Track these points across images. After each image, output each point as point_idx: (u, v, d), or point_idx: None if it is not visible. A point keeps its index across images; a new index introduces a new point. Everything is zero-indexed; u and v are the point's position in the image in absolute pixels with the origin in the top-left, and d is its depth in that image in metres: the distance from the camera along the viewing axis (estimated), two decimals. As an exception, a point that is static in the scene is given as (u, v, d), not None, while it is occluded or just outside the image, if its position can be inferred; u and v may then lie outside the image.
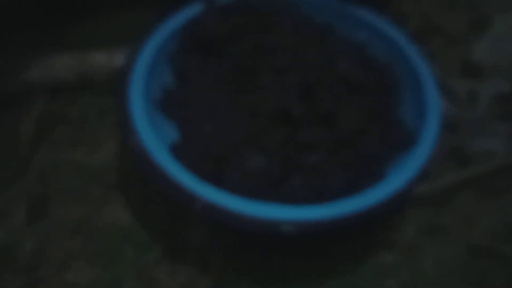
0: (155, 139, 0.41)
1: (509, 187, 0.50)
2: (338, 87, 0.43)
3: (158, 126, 0.43)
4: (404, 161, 0.41)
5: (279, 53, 0.45)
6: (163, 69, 0.47)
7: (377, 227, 0.45)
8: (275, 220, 0.37)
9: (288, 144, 0.41)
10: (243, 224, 0.37)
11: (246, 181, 0.40)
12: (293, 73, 0.43)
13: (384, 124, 0.43)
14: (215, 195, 0.37)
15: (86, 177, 0.48)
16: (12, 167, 0.48)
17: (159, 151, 0.40)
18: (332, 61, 0.45)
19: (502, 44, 0.63)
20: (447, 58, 0.60)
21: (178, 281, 0.42)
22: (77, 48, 0.53)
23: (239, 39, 0.46)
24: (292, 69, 0.44)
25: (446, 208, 0.48)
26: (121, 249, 0.44)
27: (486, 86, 0.58)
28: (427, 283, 0.44)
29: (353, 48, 0.47)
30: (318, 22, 0.49)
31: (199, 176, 0.39)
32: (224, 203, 0.37)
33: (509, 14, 0.68)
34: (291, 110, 0.42)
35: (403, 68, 0.47)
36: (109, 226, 0.45)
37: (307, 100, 0.42)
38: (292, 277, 0.43)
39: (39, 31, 0.53)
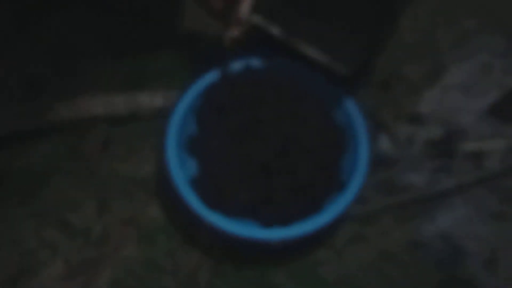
0: (179, 171, 0.64)
1: (418, 213, 0.73)
2: (304, 149, 0.65)
3: (184, 162, 0.67)
4: (338, 200, 0.64)
5: (266, 119, 0.66)
6: (190, 121, 0.69)
7: (323, 238, 0.70)
8: (257, 237, 0.61)
9: (266, 186, 0.65)
10: (232, 238, 0.62)
11: (237, 208, 0.64)
12: (274, 137, 0.65)
13: (329, 176, 0.66)
14: (215, 219, 0.62)
15: (134, 185, 0.72)
16: (83, 175, 0.72)
17: (181, 182, 0.63)
18: (303, 128, 0.66)
19: (447, 94, 0.83)
20: (402, 105, 0.80)
21: (193, 260, 0.68)
22: (127, 87, 0.75)
23: (242, 105, 0.67)
24: (275, 133, 0.66)
25: (370, 225, 0.72)
26: (157, 237, 0.69)
27: (423, 131, 0.79)
28: (348, 272, 0.69)
29: (322, 116, 0.68)
30: (297, 91, 0.69)
31: (207, 203, 0.63)
32: (221, 224, 0.62)
33: (463, 64, 0.86)
34: (270, 164, 0.64)
35: (350, 134, 0.68)
36: (150, 220, 0.70)
37: (281, 157, 0.65)
38: (263, 264, 0.68)
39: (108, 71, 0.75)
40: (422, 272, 0.69)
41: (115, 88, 0.76)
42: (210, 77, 0.69)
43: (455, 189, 0.74)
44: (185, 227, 0.69)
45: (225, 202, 0.64)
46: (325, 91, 0.70)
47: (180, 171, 0.64)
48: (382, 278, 0.68)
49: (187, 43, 0.79)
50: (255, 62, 0.70)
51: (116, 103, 0.72)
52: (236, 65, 0.69)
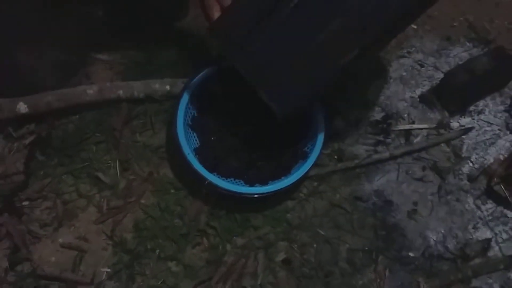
0: (185, 143, 0.87)
1: (361, 176, 0.98)
2: (277, 128, 0.89)
3: (188, 136, 0.89)
4: (302, 166, 0.89)
5: (249, 105, 0.89)
6: (192, 105, 0.91)
7: (290, 192, 0.94)
8: (242, 192, 0.85)
9: (249, 155, 0.89)
10: (225, 193, 0.86)
11: (228, 171, 0.88)
12: (255, 119, 0.89)
13: (295, 148, 0.91)
14: (212, 178, 0.85)
15: (150, 151, 0.95)
16: (110, 143, 0.94)
17: (187, 150, 0.86)
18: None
19: (388, 84, 1.08)
20: (353, 93, 1.04)
21: (195, 206, 0.91)
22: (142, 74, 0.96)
23: (231, 93, 0.90)
24: (256, 116, 0.89)
25: (324, 183, 0.96)
26: (168, 190, 0.92)
27: (368, 114, 1.04)
28: (308, 218, 0.94)
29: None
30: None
31: (206, 167, 0.86)
32: (217, 182, 0.85)
33: (403, 61, 1.11)
34: (252, 139, 0.88)
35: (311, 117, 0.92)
36: (163, 177, 0.93)
37: (260, 134, 0.89)
38: (246, 211, 0.92)
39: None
40: (361, 219, 0.94)
41: (132, 74, 0.98)
42: (208, 70, 0.91)
43: (389, 158, 1.00)
44: (190, 183, 0.93)
45: (220, 166, 0.88)
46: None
47: (186, 142, 0.87)
48: (332, 222, 0.94)
49: (190, 40, 1.01)
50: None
51: (135, 87, 0.94)
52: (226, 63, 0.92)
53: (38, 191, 0.90)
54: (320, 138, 0.90)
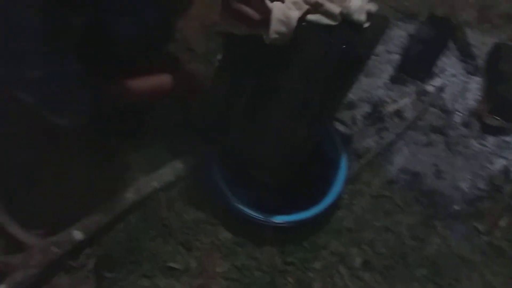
0: (234, 197, 0.93)
1: (382, 162, 1.09)
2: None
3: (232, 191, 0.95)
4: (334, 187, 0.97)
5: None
6: (223, 162, 0.98)
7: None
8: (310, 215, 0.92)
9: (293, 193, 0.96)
10: (291, 225, 0.92)
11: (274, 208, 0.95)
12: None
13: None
14: (276, 218, 0.92)
15: (201, 223, 0.99)
16: (163, 232, 0.97)
17: (240, 204, 0.92)
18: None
19: (362, 81, 1.20)
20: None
21: (266, 254, 0.97)
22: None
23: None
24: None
25: (357, 182, 1.05)
26: (236, 249, 0.97)
27: (358, 111, 1.15)
28: (360, 217, 1.02)
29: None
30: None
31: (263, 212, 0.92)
32: (281, 219, 0.92)
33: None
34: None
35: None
36: (224, 241, 0.98)
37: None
38: (309, 236, 0.99)
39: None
40: (403, 197, 1.04)
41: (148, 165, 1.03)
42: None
43: (395, 138, 1.11)
44: (250, 235, 0.98)
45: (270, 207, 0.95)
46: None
47: (234, 196, 0.93)
48: (382, 211, 1.03)
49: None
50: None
51: (164, 174, 0.99)
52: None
53: (119, 307, 0.92)
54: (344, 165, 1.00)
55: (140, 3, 0.91)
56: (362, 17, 0.74)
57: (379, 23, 0.79)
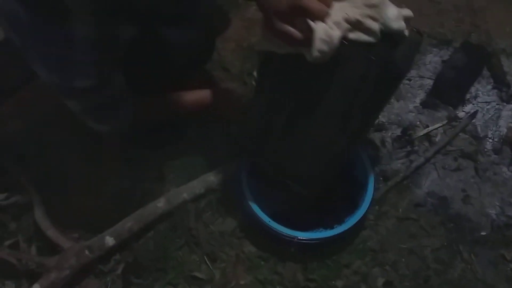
0: (261, 212, 0.95)
1: (410, 186, 1.09)
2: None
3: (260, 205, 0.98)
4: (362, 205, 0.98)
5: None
6: (251, 177, 1.01)
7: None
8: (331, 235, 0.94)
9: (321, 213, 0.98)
10: (314, 243, 0.94)
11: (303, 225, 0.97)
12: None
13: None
14: (299, 234, 0.94)
15: (227, 236, 1.02)
16: (190, 242, 1.01)
17: (266, 219, 0.95)
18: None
19: (393, 103, 1.22)
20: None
21: (289, 269, 0.98)
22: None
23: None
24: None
25: (385, 204, 1.06)
26: (259, 263, 0.99)
27: (388, 133, 1.17)
28: (385, 239, 1.03)
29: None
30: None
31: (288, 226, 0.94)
32: (305, 236, 0.93)
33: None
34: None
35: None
36: (249, 255, 1.00)
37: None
38: (332, 255, 1.00)
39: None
40: (429, 221, 1.04)
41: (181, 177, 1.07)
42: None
43: (425, 162, 1.12)
44: (274, 249, 1.00)
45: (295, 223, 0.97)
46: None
47: (261, 211, 0.95)
48: (407, 234, 1.03)
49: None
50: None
51: (195, 186, 1.03)
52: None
53: (145, 311, 0.95)
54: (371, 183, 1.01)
55: (188, 18, 0.95)
56: (401, 24, 0.75)
57: (413, 37, 0.81)
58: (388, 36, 0.76)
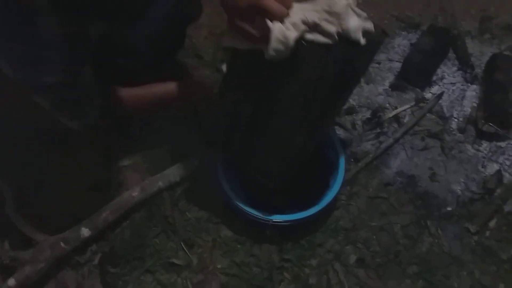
0: (235, 196, 0.98)
1: (379, 166, 1.12)
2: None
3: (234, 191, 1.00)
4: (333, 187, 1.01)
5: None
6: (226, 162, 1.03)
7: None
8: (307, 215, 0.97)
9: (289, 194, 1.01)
10: (289, 224, 0.97)
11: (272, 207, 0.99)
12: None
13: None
14: (274, 217, 0.96)
15: (204, 222, 1.04)
16: (166, 230, 1.02)
17: (240, 203, 0.97)
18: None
19: (363, 87, 1.25)
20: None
21: (264, 251, 1.01)
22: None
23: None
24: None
25: (355, 184, 1.09)
26: (236, 246, 1.01)
27: (359, 116, 1.20)
28: (357, 217, 1.06)
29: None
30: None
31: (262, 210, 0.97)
32: (280, 218, 0.96)
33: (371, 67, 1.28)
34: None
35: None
36: (225, 239, 1.02)
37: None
38: (306, 236, 1.03)
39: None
40: (398, 199, 1.08)
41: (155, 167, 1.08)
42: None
43: (394, 143, 1.15)
44: (250, 233, 1.02)
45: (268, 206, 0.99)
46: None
47: (235, 195, 0.97)
48: (377, 212, 1.07)
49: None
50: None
51: (170, 174, 1.04)
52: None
53: (125, 300, 0.97)
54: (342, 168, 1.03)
55: (153, 12, 0.96)
56: (359, 36, 0.77)
57: (376, 37, 0.82)
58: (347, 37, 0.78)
